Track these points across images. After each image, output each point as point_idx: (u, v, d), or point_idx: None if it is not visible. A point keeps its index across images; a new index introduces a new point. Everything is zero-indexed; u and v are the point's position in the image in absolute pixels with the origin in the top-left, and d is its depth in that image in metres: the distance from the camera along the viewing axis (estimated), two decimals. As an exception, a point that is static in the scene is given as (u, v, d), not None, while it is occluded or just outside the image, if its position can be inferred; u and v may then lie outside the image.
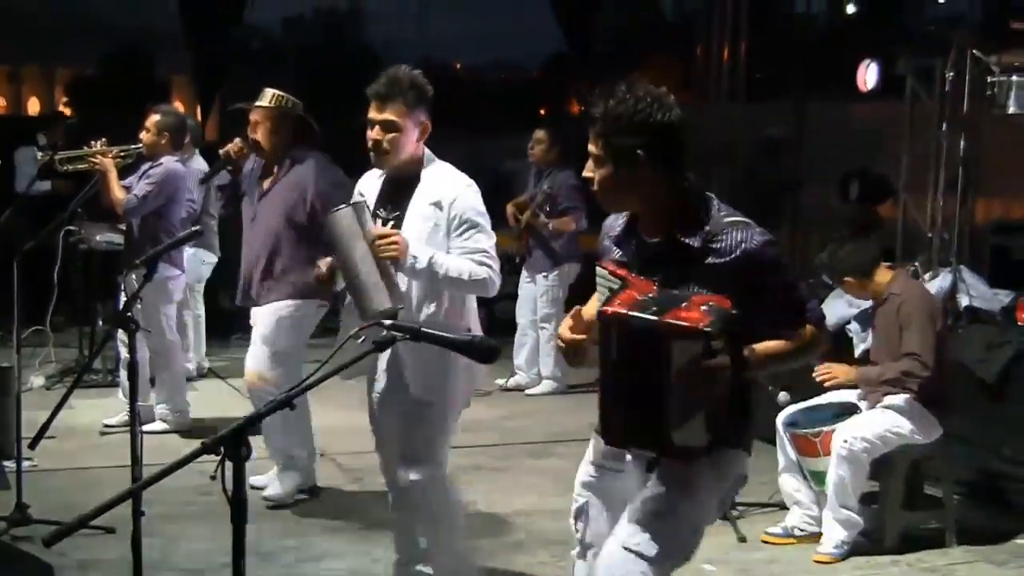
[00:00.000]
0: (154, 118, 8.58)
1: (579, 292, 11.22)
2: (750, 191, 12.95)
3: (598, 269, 3.92)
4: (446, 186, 5.08)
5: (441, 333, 3.39)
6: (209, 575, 6.06)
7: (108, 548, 5.99)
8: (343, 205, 5.02)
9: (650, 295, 3.76)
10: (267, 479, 7.28)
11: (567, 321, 4.16)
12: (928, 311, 6.63)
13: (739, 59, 15.52)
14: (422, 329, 3.35)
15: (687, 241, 3.83)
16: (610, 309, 3.75)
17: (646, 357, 3.71)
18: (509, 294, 11.40)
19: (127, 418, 8.52)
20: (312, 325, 7.21)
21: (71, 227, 9.61)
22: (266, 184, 7.12)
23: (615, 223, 4.16)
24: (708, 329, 3.58)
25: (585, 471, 4.28)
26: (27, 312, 6.88)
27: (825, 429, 6.53)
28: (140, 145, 8.56)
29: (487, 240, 5.07)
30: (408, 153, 5.11)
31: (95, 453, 8.26)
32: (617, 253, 4.09)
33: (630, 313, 3.70)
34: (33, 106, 59.73)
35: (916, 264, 9.10)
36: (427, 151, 5.18)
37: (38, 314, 9.29)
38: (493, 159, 19.75)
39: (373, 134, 5.07)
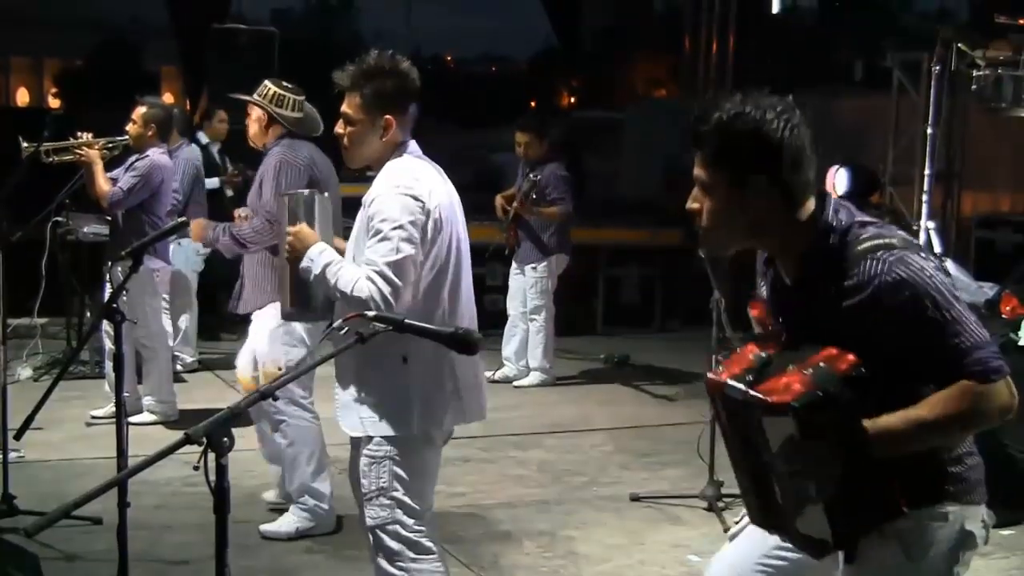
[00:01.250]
0: (140, 110, 8.58)
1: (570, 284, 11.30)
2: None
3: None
4: (376, 186, 4.53)
5: (424, 325, 3.41)
6: (195, 566, 6.07)
7: (95, 539, 5.99)
8: (298, 190, 4.79)
9: (763, 355, 3.18)
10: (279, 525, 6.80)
11: None
12: None
13: (726, 52, 15.57)
14: (405, 321, 3.36)
15: (817, 282, 3.16)
16: (712, 376, 3.24)
17: (747, 433, 3.17)
18: (498, 286, 11.45)
19: (114, 410, 8.55)
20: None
21: (58, 218, 9.61)
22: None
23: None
24: (795, 405, 2.94)
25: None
26: (14, 303, 6.88)
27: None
28: (126, 137, 8.56)
29: (385, 252, 4.35)
30: (363, 153, 4.63)
31: (82, 444, 8.26)
32: (763, 288, 3.49)
33: (727, 381, 3.16)
34: (22, 97, 59.61)
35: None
36: (404, 148, 4.64)
37: (25, 305, 9.28)
38: (482, 151, 19.82)
39: (337, 127, 4.67)
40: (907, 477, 3.11)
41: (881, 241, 3.09)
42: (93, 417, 8.76)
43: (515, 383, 10.77)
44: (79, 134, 8.44)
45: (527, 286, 10.73)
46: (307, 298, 4.75)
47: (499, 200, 10.62)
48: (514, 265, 10.84)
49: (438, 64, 50.49)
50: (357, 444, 4.62)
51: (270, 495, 7.04)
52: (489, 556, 6.39)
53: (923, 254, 3.10)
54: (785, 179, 3.12)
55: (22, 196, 6.75)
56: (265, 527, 6.60)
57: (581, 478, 7.82)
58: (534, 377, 10.77)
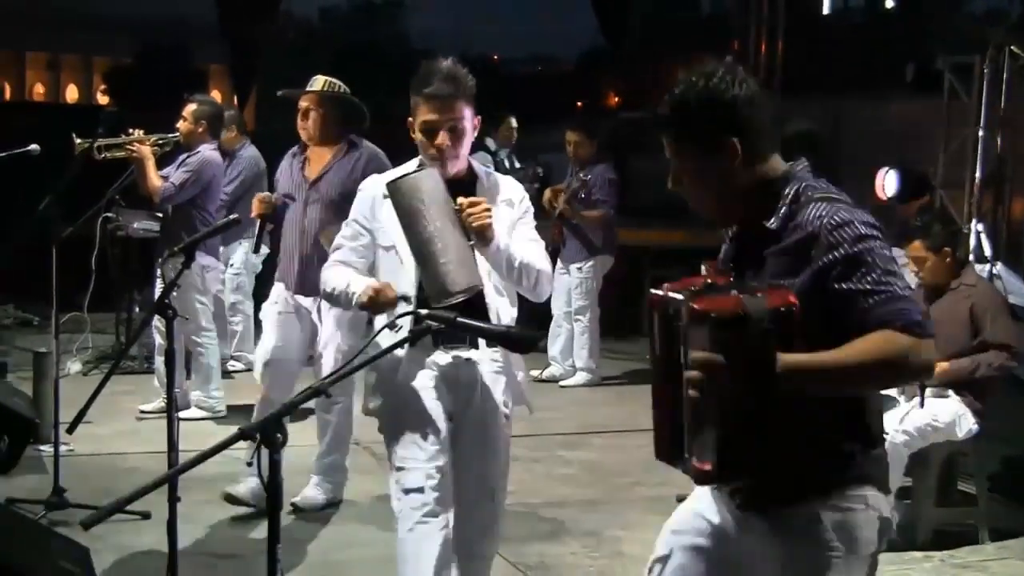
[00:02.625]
0: (191, 107, 8.64)
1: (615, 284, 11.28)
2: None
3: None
4: (511, 186, 4.77)
5: (477, 323, 3.39)
6: (243, 561, 6.10)
7: (144, 533, 6.04)
8: (418, 170, 4.53)
9: (710, 281, 3.17)
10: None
11: None
12: (1003, 304, 6.62)
13: (775, 54, 15.50)
14: (457, 319, 3.35)
15: (766, 224, 3.17)
16: (655, 291, 3.20)
17: (670, 347, 3.13)
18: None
19: (163, 404, 8.60)
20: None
21: (108, 214, 9.67)
22: (317, 169, 6.98)
23: None
24: (712, 315, 2.95)
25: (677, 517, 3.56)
26: (64, 298, 6.93)
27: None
28: (177, 134, 8.61)
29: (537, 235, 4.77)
30: (461, 156, 4.65)
31: (131, 439, 8.33)
32: (721, 252, 3.47)
33: (667, 295, 3.14)
34: (71, 94, 60.11)
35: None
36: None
37: (75, 300, 9.34)
38: (530, 151, 19.77)
39: (441, 138, 4.55)
40: (826, 449, 3.15)
41: (833, 196, 3.13)
42: (142, 412, 8.82)
43: (561, 383, 10.77)
44: (130, 131, 8.50)
45: (572, 286, 10.73)
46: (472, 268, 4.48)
47: (548, 193, 10.61)
48: (559, 264, 10.83)
49: (485, 64, 50.53)
50: None
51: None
52: (535, 555, 6.39)
53: (868, 216, 3.11)
54: (747, 132, 3.16)
55: (72, 192, 6.80)
56: (296, 499, 6.92)
57: (627, 478, 7.80)
58: (580, 377, 10.76)
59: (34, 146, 8.16)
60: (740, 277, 3.21)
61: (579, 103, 37.61)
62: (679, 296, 3.07)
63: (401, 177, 4.44)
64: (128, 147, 8.39)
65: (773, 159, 3.25)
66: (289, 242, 7.01)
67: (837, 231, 3.04)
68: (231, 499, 6.75)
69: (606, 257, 10.75)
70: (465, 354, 4.55)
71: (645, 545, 6.43)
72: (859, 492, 3.19)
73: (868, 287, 3.01)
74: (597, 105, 35.31)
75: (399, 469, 4.58)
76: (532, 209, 4.78)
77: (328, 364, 6.73)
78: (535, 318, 10.76)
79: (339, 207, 6.47)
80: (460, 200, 4.38)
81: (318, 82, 6.96)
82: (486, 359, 4.59)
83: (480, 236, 4.37)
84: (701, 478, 3.12)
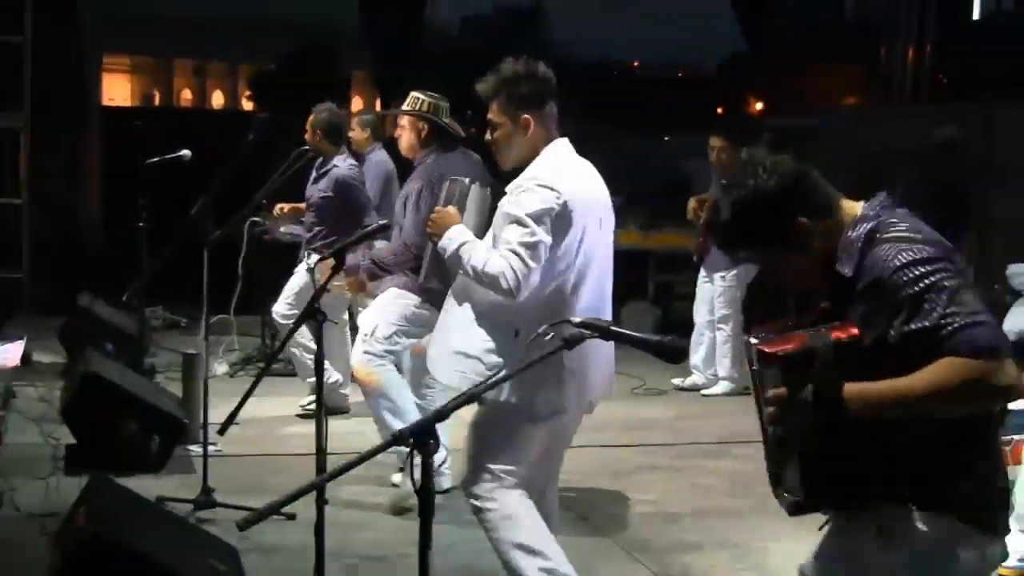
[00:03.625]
0: (311, 117, 8.81)
1: (758, 293, 11.15)
2: (931, 194, 12.69)
3: None
4: (517, 179, 4.85)
5: (631, 332, 3.37)
6: (388, 563, 6.14)
7: (289, 534, 6.08)
8: (461, 178, 5.06)
9: (789, 323, 3.42)
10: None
11: None
12: None
13: (924, 61, 15.25)
14: (611, 327, 3.34)
15: (841, 269, 3.28)
16: (748, 338, 3.42)
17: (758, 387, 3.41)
18: (685, 293, 11.36)
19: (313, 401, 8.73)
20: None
21: (255, 218, 9.81)
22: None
23: None
24: (779, 354, 3.20)
25: None
26: (211, 300, 7.04)
27: (1017, 438, 6.30)
28: (306, 147, 8.75)
29: (521, 235, 4.66)
30: (509, 153, 4.94)
31: (277, 440, 8.44)
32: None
33: (749, 340, 3.38)
34: (217, 100, 61.22)
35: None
36: (551, 148, 4.92)
37: (222, 303, 9.49)
38: (670, 158, 19.68)
39: (486, 135, 4.99)
40: (917, 469, 3.22)
41: (901, 232, 3.22)
42: (303, 407, 9.06)
43: (703, 392, 10.68)
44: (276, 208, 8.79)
45: (715, 294, 10.64)
46: (444, 276, 5.00)
47: (693, 203, 10.53)
48: (703, 272, 10.75)
49: (625, 70, 50.44)
50: None
51: (396, 477, 7.26)
52: (679, 565, 6.33)
53: (934, 247, 3.18)
54: (805, 206, 3.33)
55: (220, 196, 6.92)
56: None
57: (771, 489, 7.69)
58: (722, 386, 10.66)
59: (186, 151, 8.33)
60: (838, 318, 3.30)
61: (720, 109, 37.40)
62: (753, 341, 3.33)
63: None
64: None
65: (842, 206, 3.38)
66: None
67: (898, 274, 3.14)
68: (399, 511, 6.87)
69: (751, 266, 10.63)
70: None
71: (791, 558, 6.34)
72: (946, 525, 3.24)
73: (934, 323, 3.08)
74: (739, 111, 35.03)
75: None
76: (520, 200, 4.73)
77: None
78: (678, 328, 10.71)
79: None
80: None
81: (408, 99, 7.15)
82: None
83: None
84: (791, 510, 3.39)
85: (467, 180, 5.23)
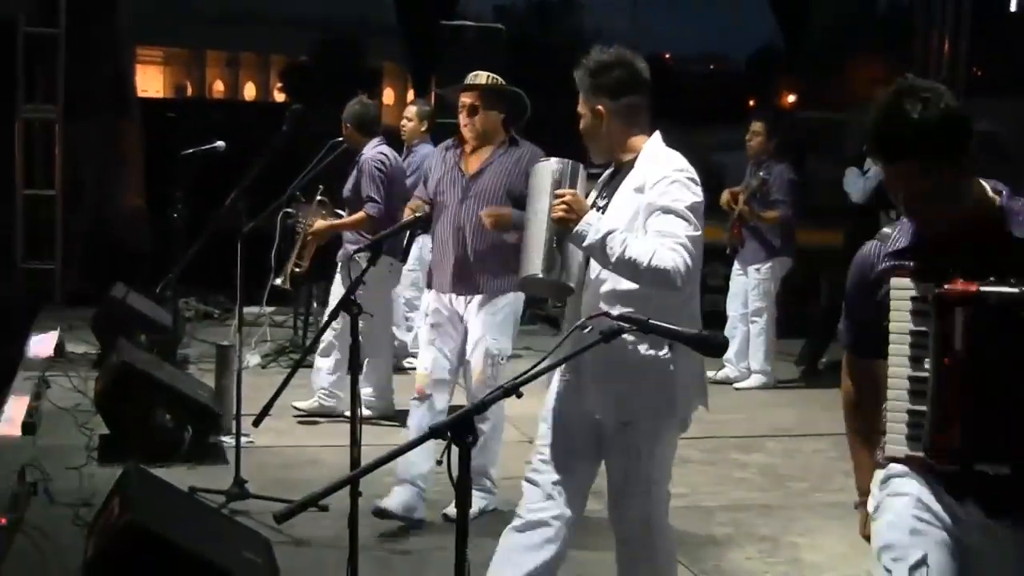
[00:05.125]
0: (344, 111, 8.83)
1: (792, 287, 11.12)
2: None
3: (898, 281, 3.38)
4: (652, 171, 4.54)
5: (670, 326, 3.35)
6: (420, 556, 6.14)
7: (321, 526, 6.08)
8: (560, 159, 4.64)
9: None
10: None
11: None
12: None
13: (959, 53, 15.11)
14: (650, 321, 3.32)
15: (1017, 232, 3.27)
16: (950, 287, 3.24)
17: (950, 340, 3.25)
18: (717, 286, 11.32)
19: (317, 403, 8.72)
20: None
21: (288, 209, 9.81)
22: (476, 164, 6.78)
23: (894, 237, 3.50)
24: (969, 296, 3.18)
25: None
26: (245, 292, 7.04)
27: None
28: (340, 139, 8.75)
29: (687, 228, 4.39)
30: (602, 141, 4.71)
31: (306, 432, 8.45)
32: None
33: (981, 288, 3.20)
34: (249, 91, 61.37)
35: None
36: (651, 138, 4.70)
37: (254, 294, 9.51)
38: (701, 150, 19.63)
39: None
40: None
41: None
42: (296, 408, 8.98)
43: (735, 385, 10.66)
44: (299, 224, 8.99)
45: (749, 287, 10.62)
46: (560, 265, 4.54)
47: (726, 195, 10.50)
48: (736, 265, 10.73)
49: (656, 62, 50.31)
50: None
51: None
52: (711, 559, 6.32)
53: None
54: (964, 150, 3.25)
55: (253, 187, 6.92)
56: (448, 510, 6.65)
57: (804, 484, 7.68)
58: (755, 380, 10.64)
59: (220, 143, 8.33)
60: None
61: (751, 102, 37.24)
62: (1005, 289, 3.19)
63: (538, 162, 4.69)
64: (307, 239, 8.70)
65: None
66: (443, 239, 6.73)
67: None
68: (381, 513, 6.48)
69: (784, 259, 10.61)
70: None
71: (824, 552, 6.38)
72: None
73: None
74: (770, 104, 34.89)
75: None
76: (673, 192, 4.46)
77: (477, 367, 6.63)
78: (711, 321, 10.68)
79: (501, 202, 6.48)
80: (556, 192, 4.47)
81: (480, 76, 6.79)
82: None
83: (558, 228, 4.43)
84: (950, 457, 3.22)
85: (570, 162, 4.69)
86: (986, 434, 3.18)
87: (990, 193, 3.34)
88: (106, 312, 10.16)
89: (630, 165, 4.63)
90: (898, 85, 3.27)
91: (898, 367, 3.31)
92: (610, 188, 4.71)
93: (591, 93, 4.64)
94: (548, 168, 4.56)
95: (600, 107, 4.63)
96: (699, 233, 4.43)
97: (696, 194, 4.49)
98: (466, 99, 6.75)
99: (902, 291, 3.31)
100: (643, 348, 4.40)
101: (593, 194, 4.71)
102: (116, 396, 7.59)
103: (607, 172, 4.81)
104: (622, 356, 4.38)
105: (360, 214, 8.35)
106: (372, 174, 8.44)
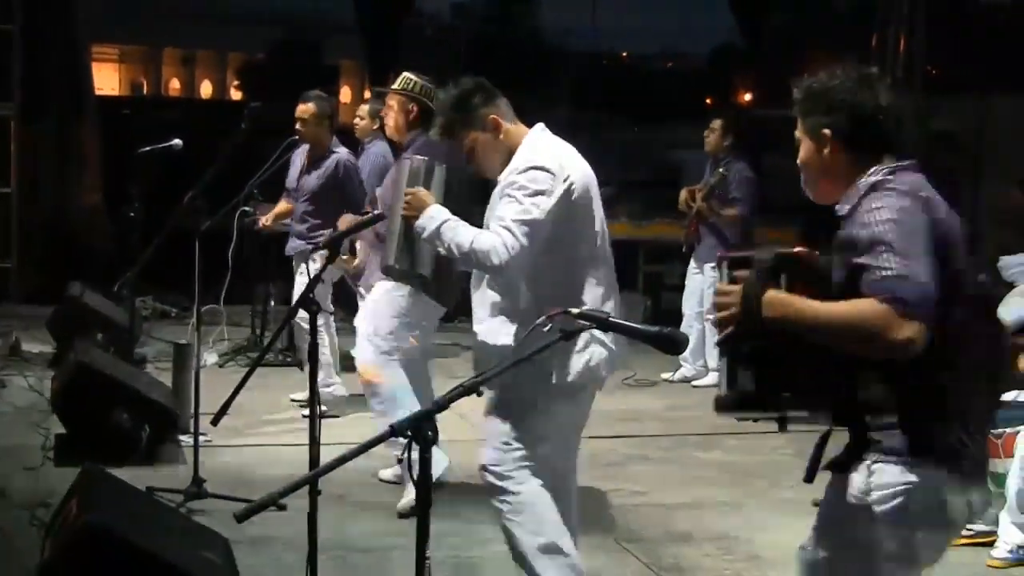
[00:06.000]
0: (300, 107, 8.84)
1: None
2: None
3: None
4: (509, 166, 4.84)
5: (630, 323, 3.38)
6: (380, 555, 6.14)
7: (279, 525, 6.03)
8: (420, 157, 5.05)
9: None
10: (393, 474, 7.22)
11: None
12: None
13: (916, 51, 15.18)
14: (609, 319, 3.35)
15: (839, 208, 3.48)
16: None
17: None
18: (675, 284, 11.36)
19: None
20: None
21: (246, 208, 9.78)
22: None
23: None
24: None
25: None
26: (202, 291, 7.03)
27: (1009, 431, 6.30)
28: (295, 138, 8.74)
29: (516, 212, 4.64)
30: (492, 161, 4.95)
31: (267, 431, 8.43)
32: None
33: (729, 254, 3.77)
34: (206, 89, 61.06)
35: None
36: (535, 134, 4.95)
37: (212, 293, 9.47)
38: (660, 148, 19.69)
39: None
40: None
41: (896, 187, 3.38)
42: (292, 400, 9.05)
43: (693, 383, 10.69)
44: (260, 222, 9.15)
45: (705, 285, 10.62)
46: (412, 255, 5.08)
47: (684, 193, 10.55)
48: (692, 263, 10.77)
49: (614, 60, 50.35)
50: None
51: (386, 473, 7.28)
52: (669, 556, 6.34)
53: (909, 198, 3.34)
54: (847, 135, 3.53)
55: (210, 185, 6.91)
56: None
57: (762, 480, 7.71)
58: (713, 377, 10.66)
59: (176, 141, 8.30)
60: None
61: (709, 100, 37.33)
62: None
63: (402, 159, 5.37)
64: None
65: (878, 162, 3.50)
66: None
67: (870, 214, 3.30)
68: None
69: (741, 259, 10.64)
70: None
71: (781, 548, 6.40)
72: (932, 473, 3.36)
73: (876, 263, 3.21)
74: (728, 102, 34.98)
75: None
76: (513, 179, 4.73)
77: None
78: (667, 318, 10.71)
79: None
80: (405, 189, 4.95)
81: (399, 79, 7.06)
82: None
83: (406, 223, 4.91)
84: (727, 403, 3.76)
85: (427, 159, 5.27)
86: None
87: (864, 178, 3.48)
88: (63, 311, 10.10)
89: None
90: None
91: None
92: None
93: (470, 121, 4.93)
94: (406, 166, 5.01)
95: (493, 117, 4.93)
96: (531, 216, 4.62)
97: (540, 181, 4.69)
98: (390, 100, 7.12)
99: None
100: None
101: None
102: (73, 396, 7.55)
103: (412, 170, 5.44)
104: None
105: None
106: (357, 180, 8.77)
